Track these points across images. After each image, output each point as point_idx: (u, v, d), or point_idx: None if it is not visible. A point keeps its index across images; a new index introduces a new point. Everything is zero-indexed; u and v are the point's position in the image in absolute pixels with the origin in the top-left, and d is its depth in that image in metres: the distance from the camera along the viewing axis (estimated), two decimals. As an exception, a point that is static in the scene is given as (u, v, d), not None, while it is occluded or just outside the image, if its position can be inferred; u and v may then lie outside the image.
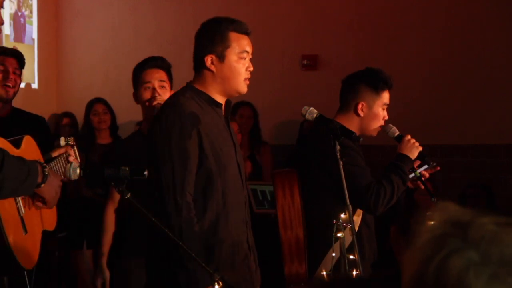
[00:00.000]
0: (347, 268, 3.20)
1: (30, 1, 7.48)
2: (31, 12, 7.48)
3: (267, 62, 6.60)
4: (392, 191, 3.65)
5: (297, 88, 7.18)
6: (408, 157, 3.77)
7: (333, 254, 3.34)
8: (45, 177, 2.82)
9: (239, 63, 3.21)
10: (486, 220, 1.34)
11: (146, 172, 2.89)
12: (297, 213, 3.69)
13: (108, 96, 6.58)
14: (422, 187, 3.92)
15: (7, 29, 7.04)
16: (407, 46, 7.00)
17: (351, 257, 3.21)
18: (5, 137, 3.11)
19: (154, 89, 3.89)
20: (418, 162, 3.88)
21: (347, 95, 3.86)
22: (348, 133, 3.39)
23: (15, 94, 4.15)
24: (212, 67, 3.21)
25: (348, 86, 3.88)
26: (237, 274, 3.18)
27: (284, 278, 3.64)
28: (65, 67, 7.88)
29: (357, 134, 3.51)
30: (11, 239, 2.84)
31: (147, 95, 3.91)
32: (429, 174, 3.92)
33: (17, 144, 3.09)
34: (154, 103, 3.84)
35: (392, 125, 3.89)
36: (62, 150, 3.28)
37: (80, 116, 6.88)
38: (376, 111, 3.81)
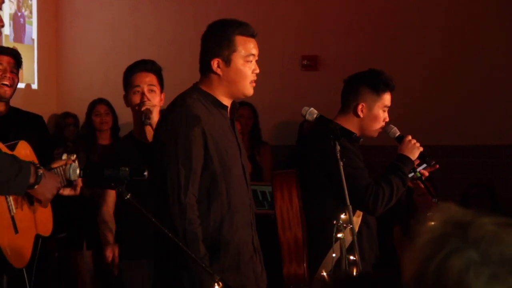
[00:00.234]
0: (347, 268, 3.19)
1: (30, 1, 7.47)
2: (30, 12, 7.48)
3: (267, 62, 6.58)
4: (391, 192, 3.65)
5: (297, 88, 7.17)
6: (408, 158, 3.76)
7: (334, 255, 3.34)
8: (38, 178, 2.81)
9: (245, 67, 3.22)
10: (486, 220, 1.34)
11: (146, 173, 2.89)
12: (295, 214, 3.70)
13: (108, 96, 6.57)
14: (422, 186, 3.92)
15: (6, 29, 7.04)
16: (407, 46, 7.00)
17: (351, 257, 3.21)
18: (2, 136, 3.11)
19: (143, 93, 3.89)
20: (418, 162, 3.88)
21: (347, 96, 3.86)
22: (348, 133, 3.39)
23: (13, 93, 4.15)
24: (219, 71, 3.21)
25: (349, 87, 3.88)
26: (241, 276, 3.19)
27: (283, 279, 3.65)
28: (65, 68, 7.88)
29: (357, 135, 3.51)
30: (0, 238, 2.84)
31: (136, 99, 3.91)
32: (429, 172, 3.92)
33: (11, 148, 3.08)
34: (143, 108, 3.83)
35: (393, 126, 3.89)
36: (62, 162, 3.28)
37: (80, 116, 6.88)
38: (376, 113, 3.80)
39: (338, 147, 3.24)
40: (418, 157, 3.82)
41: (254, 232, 3.31)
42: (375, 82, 3.80)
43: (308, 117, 3.42)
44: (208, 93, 3.24)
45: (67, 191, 3.20)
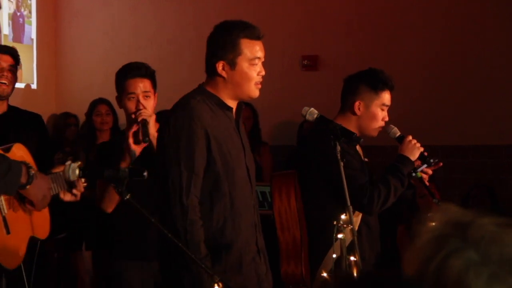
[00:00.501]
0: (347, 268, 3.19)
1: (29, 1, 7.47)
2: (30, 12, 7.47)
3: (267, 63, 6.56)
4: (387, 193, 3.65)
5: (297, 88, 7.17)
6: (408, 159, 3.76)
7: (334, 255, 3.34)
8: (30, 178, 2.80)
9: (250, 70, 3.21)
10: (486, 220, 1.34)
11: (145, 173, 2.89)
12: (293, 215, 3.71)
13: (107, 96, 6.55)
14: (424, 187, 3.92)
15: (5, 29, 7.04)
16: (407, 46, 6.99)
17: (352, 258, 3.20)
18: (2, 134, 3.10)
19: (138, 101, 3.87)
20: (418, 162, 3.87)
21: (346, 94, 3.87)
22: (349, 133, 3.38)
23: (11, 91, 4.14)
24: (223, 73, 3.21)
25: (348, 85, 3.88)
26: (243, 277, 3.19)
27: (281, 278, 3.66)
28: (64, 67, 7.88)
29: (357, 135, 3.51)
30: None
31: (131, 106, 3.89)
32: (432, 171, 3.91)
33: (6, 150, 3.07)
34: (140, 119, 3.81)
35: (393, 126, 3.89)
36: (62, 168, 3.27)
37: (79, 116, 6.88)
38: (374, 111, 3.80)
39: (338, 148, 3.24)
40: (419, 158, 3.82)
41: (258, 233, 3.31)
42: (373, 80, 3.80)
43: (308, 117, 3.42)
44: (213, 94, 3.24)
45: (68, 197, 3.18)
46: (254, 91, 3.24)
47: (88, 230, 5.76)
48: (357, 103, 3.79)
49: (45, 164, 3.35)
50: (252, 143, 6.61)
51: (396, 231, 5.55)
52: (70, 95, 7.73)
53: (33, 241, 3.18)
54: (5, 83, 4.05)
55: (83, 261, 5.95)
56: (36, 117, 4.31)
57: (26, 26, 7.40)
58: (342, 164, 3.22)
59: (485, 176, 6.67)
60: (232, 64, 3.19)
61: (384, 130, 3.89)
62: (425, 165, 3.87)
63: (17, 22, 7.27)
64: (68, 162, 3.16)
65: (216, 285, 2.62)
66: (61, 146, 6.45)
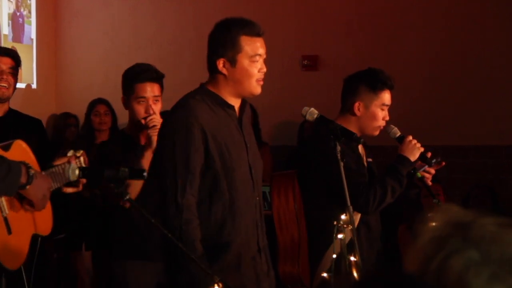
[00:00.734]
0: (347, 269, 3.19)
1: (28, 1, 7.47)
2: (29, 12, 7.47)
3: (267, 63, 6.56)
4: (383, 194, 3.66)
5: (297, 88, 7.17)
6: (407, 159, 3.76)
7: (334, 256, 3.34)
8: (30, 178, 2.79)
9: (251, 66, 3.21)
10: (486, 220, 1.35)
11: (145, 174, 2.89)
12: (291, 215, 3.73)
13: (107, 96, 6.57)
14: (425, 187, 3.92)
15: (5, 29, 7.04)
16: (407, 46, 6.99)
17: (352, 258, 3.20)
18: (1, 137, 3.08)
19: (148, 105, 3.87)
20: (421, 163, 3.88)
21: (346, 95, 3.87)
22: (349, 134, 3.38)
23: (11, 94, 4.13)
24: (224, 71, 3.20)
25: (347, 86, 3.88)
26: (241, 276, 3.19)
27: (279, 278, 3.67)
28: (64, 67, 7.88)
29: (358, 135, 3.51)
30: None
31: (141, 110, 3.88)
32: (435, 171, 3.91)
33: (5, 148, 3.06)
34: (151, 125, 3.81)
35: (393, 126, 3.89)
36: (64, 160, 3.26)
37: (79, 116, 6.88)
38: (373, 111, 3.80)
39: (338, 148, 3.24)
40: (419, 158, 3.81)
41: (260, 232, 3.30)
42: (372, 80, 3.80)
43: (308, 117, 3.41)
44: (214, 93, 3.24)
45: (70, 189, 3.18)
46: (255, 88, 3.24)
47: (88, 230, 5.76)
48: (356, 104, 3.79)
49: (46, 166, 3.35)
50: (252, 143, 6.63)
51: (397, 231, 5.55)
52: (70, 95, 7.73)
53: (35, 238, 3.18)
54: (5, 86, 4.03)
55: (83, 261, 5.94)
56: (36, 122, 4.30)
57: (26, 26, 7.40)
58: (342, 164, 3.22)
59: (486, 177, 6.67)
60: (232, 62, 3.19)
61: (384, 130, 3.88)
62: (426, 166, 3.88)
63: (16, 22, 7.27)
64: (71, 152, 3.16)
65: (216, 285, 2.62)
66: (61, 146, 6.44)
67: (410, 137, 3.82)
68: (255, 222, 3.27)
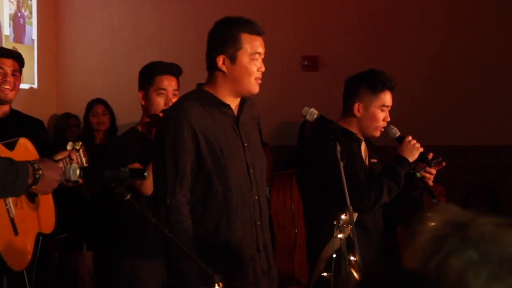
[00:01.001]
0: (347, 268, 3.20)
1: (29, 2, 7.47)
2: (30, 12, 7.47)
3: (267, 63, 6.56)
4: (379, 193, 3.66)
5: (297, 89, 7.17)
6: (406, 160, 3.77)
7: (334, 255, 3.34)
8: (36, 180, 2.81)
9: (251, 64, 3.20)
10: (485, 220, 1.35)
11: (145, 173, 2.90)
12: (288, 214, 3.75)
13: (108, 96, 6.57)
14: (424, 187, 3.93)
15: (6, 29, 7.04)
16: (407, 46, 7.00)
17: (351, 258, 3.21)
18: (2, 138, 3.09)
19: (168, 98, 3.91)
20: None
21: (347, 96, 3.89)
22: (349, 134, 3.39)
23: (14, 95, 4.13)
24: (224, 68, 3.20)
25: (348, 88, 3.90)
26: (239, 276, 3.18)
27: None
28: (65, 68, 7.88)
29: (359, 135, 3.52)
30: None
31: (160, 101, 3.92)
32: (436, 171, 3.91)
33: (10, 146, 3.07)
34: None
35: (393, 126, 3.89)
36: (65, 154, 3.27)
37: (80, 116, 6.88)
38: (373, 112, 3.81)
39: (338, 148, 3.24)
40: (419, 158, 3.82)
41: (260, 231, 3.28)
42: (372, 81, 3.81)
43: (308, 117, 3.42)
44: (209, 93, 3.24)
45: (70, 183, 3.20)
46: (254, 86, 3.23)
47: (89, 230, 5.77)
48: (356, 105, 3.80)
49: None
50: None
51: (396, 231, 5.56)
52: (71, 96, 7.73)
53: (38, 237, 3.20)
54: (8, 88, 4.04)
55: (84, 261, 5.95)
56: (38, 122, 4.31)
57: (27, 26, 7.41)
58: (342, 164, 3.22)
59: (486, 177, 6.67)
60: (232, 59, 3.19)
61: (384, 130, 3.89)
62: (425, 166, 3.88)
63: (18, 22, 7.28)
64: (70, 145, 3.16)
65: (216, 285, 2.62)
66: (62, 147, 6.45)
67: (410, 137, 3.82)
68: (253, 221, 3.26)
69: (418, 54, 6.95)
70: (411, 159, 3.78)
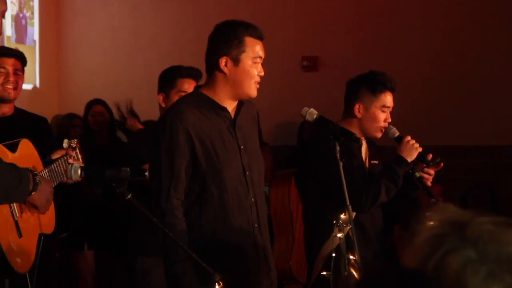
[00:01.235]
0: (346, 267, 3.20)
1: (31, 3, 7.49)
2: (32, 13, 7.49)
3: (267, 63, 6.57)
4: (377, 193, 3.67)
5: (297, 89, 7.18)
6: (404, 159, 3.77)
7: (333, 254, 3.35)
8: (35, 185, 2.82)
9: (252, 68, 3.20)
10: (484, 219, 1.35)
11: (147, 173, 2.90)
12: (286, 214, 3.76)
13: (109, 96, 6.57)
14: (423, 187, 3.93)
15: (8, 30, 7.05)
16: (407, 46, 7.00)
17: (351, 257, 3.21)
18: (7, 137, 3.10)
19: None
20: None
21: (348, 98, 3.91)
22: (348, 134, 3.40)
23: (18, 94, 4.14)
24: (226, 69, 3.19)
25: (348, 89, 3.92)
26: (236, 278, 3.18)
27: None
28: (67, 68, 7.89)
29: (359, 136, 3.53)
30: (4, 243, 2.85)
31: None
32: (435, 171, 3.92)
33: (13, 148, 3.08)
34: None
35: (392, 126, 3.90)
36: (62, 152, 3.28)
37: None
38: (373, 113, 3.82)
39: (338, 148, 3.25)
40: (417, 158, 3.83)
41: (258, 234, 3.27)
42: (373, 83, 3.82)
43: (308, 117, 3.42)
44: (206, 96, 3.23)
45: (70, 180, 3.21)
46: (253, 89, 3.23)
47: (90, 229, 5.77)
48: (356, 106, 3.82)
49: (45, 161, 3.38)
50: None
51: (392, 231, 5.56)
52: (73, 96, 7.73)
53: (41, 237, 3.22)
54: (10, 87, 4.04)
55: (86, 261, 5.95)
56: (41, 120, 4.31)
57: (29, 27, 7.42)
58: (341, 164, 3.23)
59: (486, 177, 6.67)
60: (235, 61, 3.18)
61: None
62: (424, 166, 3.89)
63: (19, 23, 7.29)
64: (66, 143, 3.17)
65: (216, 284, 2.63)
66: (59, 145, 6.45)
67: (409, 137, 3.83)
68: (250, 224, 3.25)
69: (418, 54, 6.96)
70: (409, 159, 3.79)
